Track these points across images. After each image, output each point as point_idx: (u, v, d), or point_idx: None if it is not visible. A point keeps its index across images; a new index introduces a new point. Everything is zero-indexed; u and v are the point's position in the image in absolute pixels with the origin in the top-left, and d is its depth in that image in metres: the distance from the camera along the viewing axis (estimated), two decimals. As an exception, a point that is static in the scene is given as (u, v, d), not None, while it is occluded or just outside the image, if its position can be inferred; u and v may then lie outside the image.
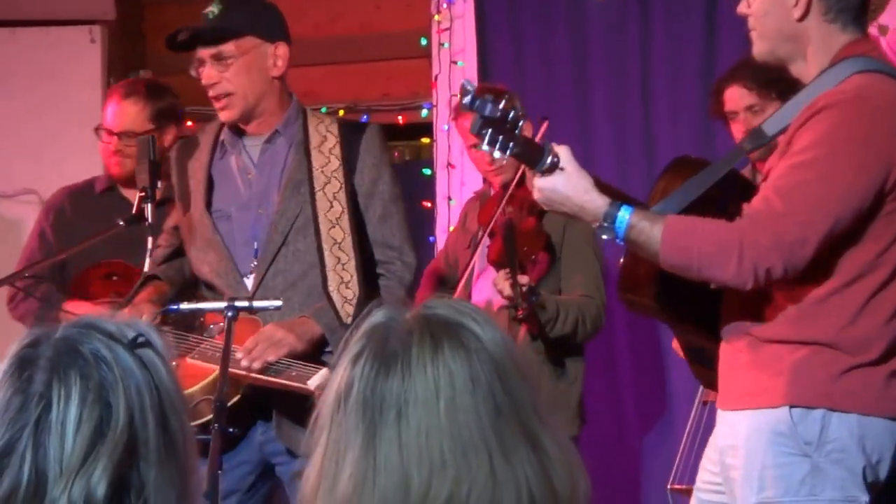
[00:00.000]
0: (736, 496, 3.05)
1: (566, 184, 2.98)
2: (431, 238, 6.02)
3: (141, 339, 1.70)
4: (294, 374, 3.62)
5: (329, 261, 3.77)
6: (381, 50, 6.33)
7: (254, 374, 3.65)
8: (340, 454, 1.65)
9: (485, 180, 5.03)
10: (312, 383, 3.55)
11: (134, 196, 4.62)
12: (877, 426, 2.96)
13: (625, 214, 2.94)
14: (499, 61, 5.97)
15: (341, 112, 6.14)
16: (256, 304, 3.59)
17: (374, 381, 1.65)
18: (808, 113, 2.94)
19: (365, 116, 6.24)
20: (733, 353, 3.08)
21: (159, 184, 3.87)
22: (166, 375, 1.71)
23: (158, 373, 1.70)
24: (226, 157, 3.95)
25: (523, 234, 4.54)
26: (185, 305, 3.68)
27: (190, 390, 3.62)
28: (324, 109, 5.77)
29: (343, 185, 3.84)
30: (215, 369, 3.56)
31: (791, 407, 2.96)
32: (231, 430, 3.40)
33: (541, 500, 1.63)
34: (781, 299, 2.99)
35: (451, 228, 5.51)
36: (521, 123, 2.94)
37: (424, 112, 6.22)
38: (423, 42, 6.14)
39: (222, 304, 3.55)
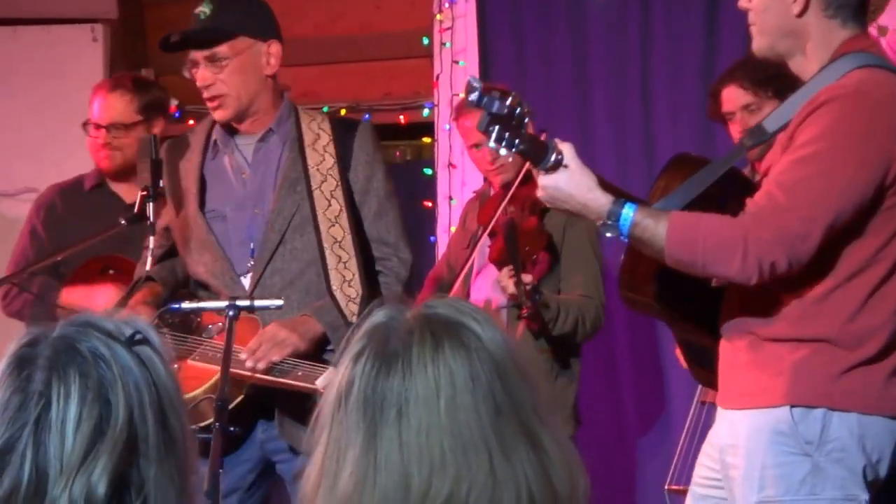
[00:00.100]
0: (736, 495, 3.05)
1: (569, 181, 2.98)
2: (432, 238, 6.02)
3: (139, 337, 1.70)
4: (300, 374, 3.62)
5: (330, 260, 3.77)
6: (383, 49, 6.34)
7: (259, 375, 3.65)
8: (341, 453, 1.65)
9: (485, 180, 5.03)
10: (320, 383, 3.55)
11: (124, 190, 4.66)
12: (877, 425, 2.97)
13: (629, 212, 2.95)
14: (500, 61, 5.97)
15: (343, 111, 6.14)
16: (258, 303, 3.58)
17: (374, 379, 1.65)
18: (810, 108, 2.95)
19: (366, 116, 6.25)
20: (733, 351, 3.08)
21: (161, 182, 3.87)
22: (164, 373, 1.71)
23: (157, 370, 1.70)
24: (218, 157, 3.94)
25: (525, 234, 4.54)
26: (186, 305, 3.67)
27: (195, 392, 3.62)
28: (325, 109, 5.78)
29: (339, 183, 3.83)
30: (218, 370, 3.55)
31: (792, 406, 2.96)
32: (232, 429, 3.40)
33: (540, 500, 1.64)
34: (782, 296, 2.99)
35: (453, 229, 5.51)
36: (526, 121, 2.95)
37: (426, 112, 6.23)
38: (426, 41, 6.14)
39: (223, 304, 3.55)
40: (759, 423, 3.00)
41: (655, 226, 2.94)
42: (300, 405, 3.41)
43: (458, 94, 5.78)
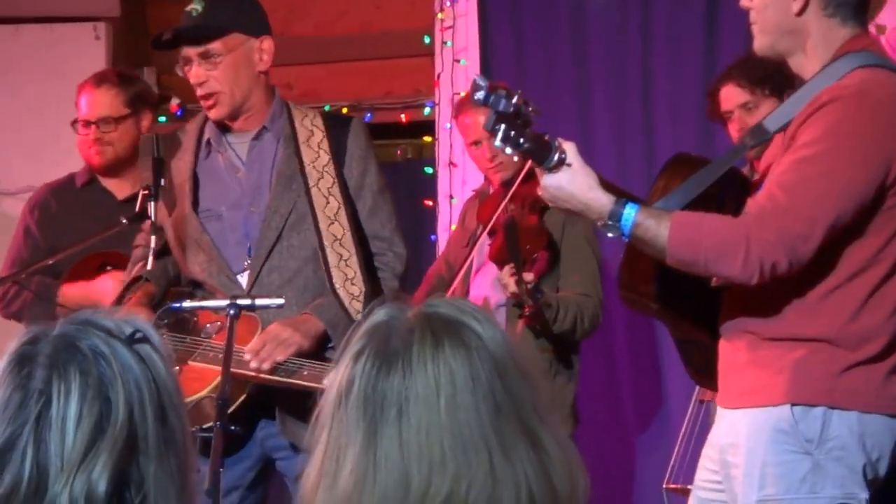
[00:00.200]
0: (736, 494, 3.05)
1: (571, 181, 2.99)
2: (433, 236, 6.02)
3: (139, 336, 1.71)
4: (306, 373, 3.61)
5: (332, 258, 3.76)
6: (383, 48, 6.34)
7: (264, 376, 3.66)
8: (341, 451, 1.65)
9: (486, 178, 5.03)
10: (328, 382, 3.53)
11: (114, 186, 4.68)
12: (877, 423, 2.97)
13: (631, 212, 2.95)
14: (501, 60, 5.97)
15: (345, 110, 6.15)
16: (259, 302, 3.57)
17: (375, 378, 1.66)
18: (812, 108, 2.95)
19: (368, 115, 6.26)
20: (733, 351, 3.08)
21: (162, 181, 3.87)
22: (164, 371, 1.71)
23: (157, 368, 1.70)
24: (211, 156, 3.93)
25: (525, 232, 4.54)
26: (187, 304, 3.67)
27: (200, 394, 3.61)
28: (327, 108, 5.79)
29: (336, 180, 3.83)
30: (229, 369, 3.53)
31: (792, 405, 2.96)
32: (234, 428, 3.40)
33: (540, 498, 1.64)
34: (782, 296, 2.99)
35: (453, 227, 5.52)
36: (532, 119, 2.95)
37: (427, 110, 6.23)
38: (427, 40, 6.15)
39: (224, 303, 3.54)
40: (760, 422, 3.00)
41: (657, 226, 2.94)
42: (301, 403, 3.41)
43: (458, 93, 5.79)
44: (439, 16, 6.09)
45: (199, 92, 3.85)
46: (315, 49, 6.35)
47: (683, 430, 4.89)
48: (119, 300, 3.84)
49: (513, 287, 4.39)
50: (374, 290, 3.79)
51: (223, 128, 3.92)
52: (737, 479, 3.05)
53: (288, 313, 3.72)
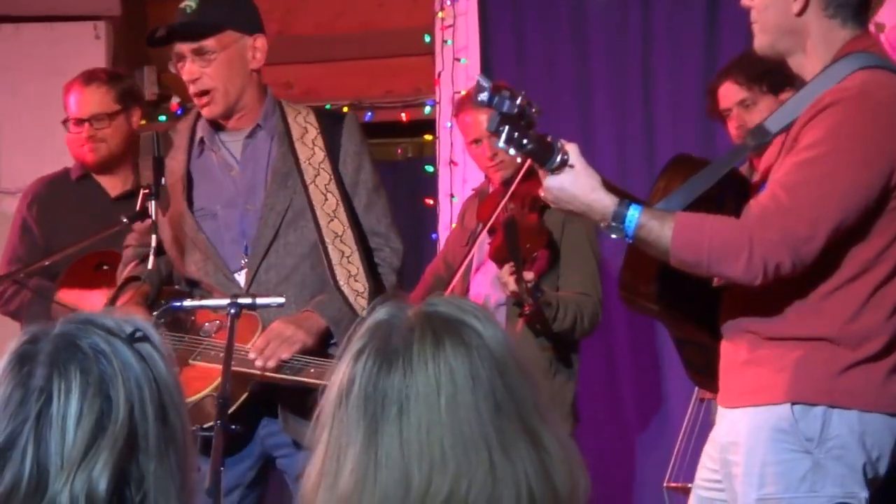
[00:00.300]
0: (737, 493, 3.05)
1: (574, 182, 2.99)
2: (434, 235, 6.03)
3: (139, 334, 1.71)
4: (312, 371, 3.62)
5: (334, 255, 3.76)
6: (384, 47, 6.35)
7: (270, 374, 3.66)
8: (342, 450, 1.65)
9: (485, 177, 5.03)
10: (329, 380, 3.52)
11: (107, 182, 4.70)
12: (877, 422, 2.97)
13: (634, 213, 2.95)
14: (501, 59, 5.98)
15: (345, 109, 6.15)
16: (260, 300, 3.57)
17: (375, 377, 1.66)
18: (814, 110, 2.96)
19: (369, 114, 6.26)
20: (734, 350, 3.09)
21: (163, 180, 3.86)
22: (165, 369, 1.71)
23: (157, 366, 1.71)
24: (204, 155, 3.92)
25: (525, 231, 4.54)
26: (188, 303, 3.67)
27: (203, 392, 3.61)
28: (328, 107, 5.79)
29: (332, 177, 3.84)
30: (230, 368, 3.53)
31: (792, 404, 2.96)
32: (234, 427, 3.40)
33: (541, 497, 1.64)
34: (783, 296, 3.00)
35: (454, 226, 5.52)
36: (536, 120, 2.95)
37: (427, 109, 6.24)
38: (427, 39, 6.15)
39: (225, 302, 3.54)
40: (760, 421, 3.00)
41: (661, 227, 2.95)
42: (303, 401, 3.41)
43: (459, 92, 5.79)
44: (440, 14, 6.10)
45: (193, 89, 3.85)
46: (315, 48, 6.36)
47: (684, 428, 4.90)
48: (113, 300, 3.83)
49: (512, 286, 4.39)
50: (376, 286, 3.79)
51: (216, 126, 3.92)
52: (737, 478, 3.05)
53: (286, 310, 3.72)
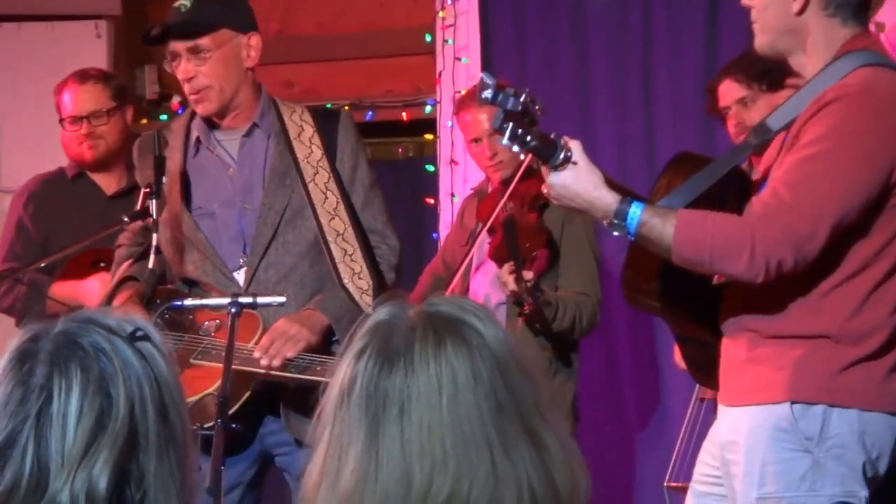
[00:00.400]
0: (736, 491, 3.05)
1: (577, 179, 2.99)
2: (435, 235, 6.03)
3: (140, 333, 1.71)
4: (319, 369, 3.62)
5: (336, 253, 3.77)
6: (385, 46, 6.35)
7: (275, 373, 3.66)
8: (343, 450, 1.65)
9: (485, 176, 5.03)
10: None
11: (102, 180, 4.71)
12: (877, 421, 2.97)
13: (636, 211, 2.96)
14: (502, 58, 5.98)
15: (346, 108, 6.15)
16: (261, 300, 3.57)
17: (377, 377, 1.66)
18: (815, 107, 2.96)
19: (369, 113, 6.27)
20: (735, 348, 3.09)
21: (164, 179, 3.87)
22: (165, 368, 1.72)
23: (157, 365, 1.71)
24: (200, 154, 3.92)
25: (525, 230, 4.54)
26: (188, 302, 3.67)
27: (206, 391, 3.61)
28: (328, 106, 5.79)
29: (331, 175, 3.84)
30: (231, 367, 3.53)
31: (792, 403, 2.97)
32: (234, 426, 3.40)
33: (542, 497, 1.64)
34: (784, 294, 3.00)
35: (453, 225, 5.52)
36: (539, 118, 2.96)
37: (428, 108, 6.24)
38: (428, 39, 6.15)
39: (226, 301, 3.54)
40: (760, 420, 3.00)
41: (663, 225, 2.95)
42: (305, 399, 3.42)
43: (459, 91, 5.79)
44: (440, 14, 6.10)
45: (188, 88, 3.85)
46: (316, 47, 6.36)
47: (684, 428, 4.90)
48: (109, 299, 3.83)
49: (512, 285, 4.38)
50: (380, 283, 3.79)
51: (210, 125, 3.92)
52: (737, 477, 3.05)
53: (286, 309, 3.72)
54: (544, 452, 1.66)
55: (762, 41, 3.11)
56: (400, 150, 6.81)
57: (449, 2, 6.09)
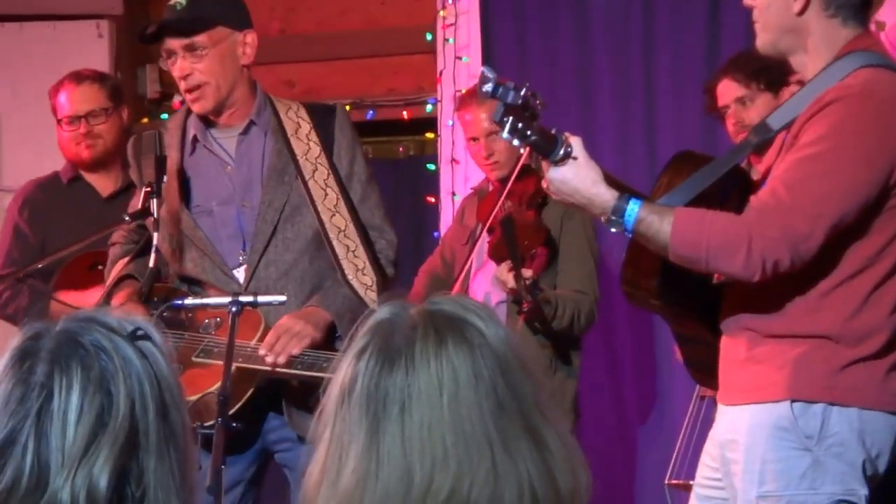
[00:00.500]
0: (737, 490, 3.05)
1: (575, 175, 2.99)
2: (436, 233, 6.03)
3: (140, 332, 1.71)
4: (325, 365, 3.62)
5: (339, 250, 3.77)
6: (386, 45, 6.35)
7: (281, 369, 3.66)
8: (344, 448, 1.66)
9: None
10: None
11: (97, 181, 4.72)
12: (877, 420, 2.97)
13: (634, 207, 2.96)
14: (503, 57, 5.97)
15: (347, 107, 6.15)
16: (261, 299, 3.57)
17: (378, 375, 1.66)
18: (816, 107, 2.96)
19: (370, 112, 6.27)
20: (734, 347, 3.09)
21: (164, 178, 3.86)
22: (166, 367, 1.72)
23: (158, 364, 1.71)
24: (197, 152, 3.92)
25: (523, 228, 4.54)
26: (189, 301, 3.67)
27: (209, 390, 3.60)
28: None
29: (330, 171, 3.84)
30: (232, 365, 3.53)
31: (792, 401, 2.97)
32: (235, 424, 3.40)
33: (542, 495, 1.64)
34: (783, 293, 3.00)
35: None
36: (539, 112, 2.96)
37: (429, 107, 6.24)
38: (429, 38, 6.15)
39: (227, 300, 3.54)
40: (760, 419, 3.01)
41: (660, 222, 2.95)
42: (308, 395, 3.42)
43: (460, 90, 5.79)
44: (441, 13, 6.10)
45: (184, 85, 3.85)
46: (317, 46, 6.36)
47: (685, 425, 4.90)
48: (107, 298, 3.83)
49: (511, 283, 4.38)
50: (383, 279, 3.80)
51: (207, 123, 3.91)
52: (737, 476, 3.05)
53: (287, 307, 3.72)
54: (545, 451, 1.66)
55: (763, 40, 3.11)
56: (401, 148, 6.81)
57: (450, 1, 6.09)
